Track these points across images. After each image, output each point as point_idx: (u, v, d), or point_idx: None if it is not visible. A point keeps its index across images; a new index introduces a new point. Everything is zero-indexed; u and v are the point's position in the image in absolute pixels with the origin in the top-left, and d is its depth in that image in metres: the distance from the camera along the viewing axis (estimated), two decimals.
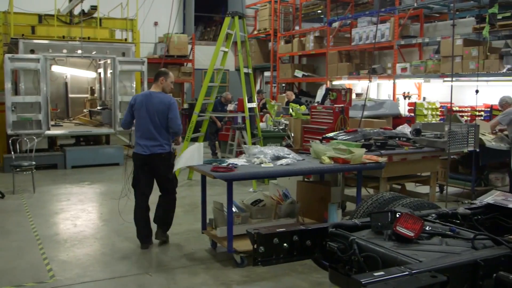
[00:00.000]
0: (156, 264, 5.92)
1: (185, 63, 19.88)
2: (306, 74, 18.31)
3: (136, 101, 6.44)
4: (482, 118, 12.13)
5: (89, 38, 13.61)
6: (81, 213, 8.26)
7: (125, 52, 13.96)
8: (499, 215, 4.44)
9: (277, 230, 3.67)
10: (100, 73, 16.05)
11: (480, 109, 12.38)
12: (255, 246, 3.56)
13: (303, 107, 12.30)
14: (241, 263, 5.78)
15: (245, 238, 5.20)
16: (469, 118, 12.19)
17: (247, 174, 5.96)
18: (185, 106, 19.23)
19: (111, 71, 13.51)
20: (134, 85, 13.78)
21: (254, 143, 10.03)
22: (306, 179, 7.83)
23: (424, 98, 14.64)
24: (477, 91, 7.70)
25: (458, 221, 4.15)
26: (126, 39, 14.70)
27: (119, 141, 13.88)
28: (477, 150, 8.37)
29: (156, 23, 19.67)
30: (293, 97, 15.77)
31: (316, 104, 12.50)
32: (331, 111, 10.39)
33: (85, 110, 16.31)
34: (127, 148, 14.23)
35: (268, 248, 3.59)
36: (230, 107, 13.60)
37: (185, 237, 6.94)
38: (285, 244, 3.63)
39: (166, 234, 6.68)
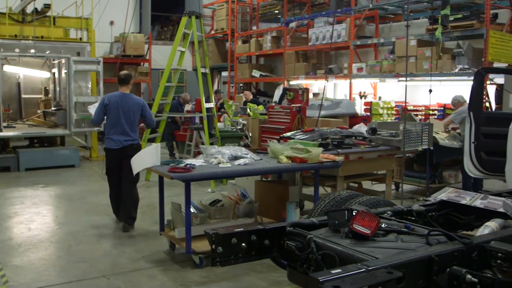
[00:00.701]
0: (114, 267, 5.83)
1: (142, 63, 19.67)
2: (263, 74, 18.37)
3: (111, 101, 7.23)
4: (436, 117, 12.43)
5: (42, 37, 13.31)
6: (36, 217, 8.07)
7: (80, 52, 13.72)
8: (452, 211, 4.54)
9: (235, 230, 3.67)
10: (54, 73, 15.70)
11: (433, 108, 12.68)
12: (213, 246, 3.54)
13: (261, 107, 12.33)
14: (200, 264, 5.76)
15: (203, 238, 5.17)
16: (423, 117, 12.46)
17: (205, 175, 5.94)
18: None
19: (66, 71, 13.24)
20: (90, 85, 13.56)
21: (212, 143, 10.00)
22: (264, 179, 7.85)
23: (379, 98, 14.90)
24: (430, 91, 7.86)
25: (413, 218, 4.23)
26: (81, 39, 14.43)
27: (74, 143, 13.63)
28: (431, 148, 8.54)
29: (112, 22, 19.42)
30: (251, 97, 15.81)
31: (273, 104, 12.55)
32: (289, 110, 10.45)
33: (39, 111, 15.93)
34: (83, 150, 14.04)
35: (226, 248, 3.57)
36: (188, 107, 13.53)
37: (143, 239, 6.86)
38: (243, 244, 3.62)
39: (133, 226, 7.30)
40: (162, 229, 6.50)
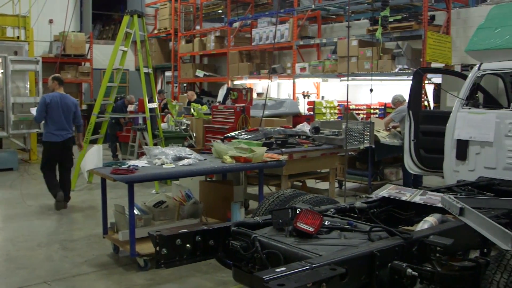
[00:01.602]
0: (55, 273, 5.67)
1: (83, 63, 19.23)
2: (207, 74, 18.31)
3: (52, 101, 8.34)
4: (377, 115, 12.70)
5: None
6: None
7: (18, 51, 13.28)
8: (393, 208, 4.66)
9: (180, 231, 3.65)
10: None
11: (374, 107, 12.96)
12: (157, 248, 3.51)
13: (205, 107, 12.28)
14: (145, 267, 5.68)
15: (148, 241, 5.08)
16: (364, 116, 12.71)
17: (149, 176, 5.88)
18: (84, 107, 18.58)
19: (2, 70, 12.78)
20: (28, 86, 13.15)
21: (155, 144, 9.89)
22: (208, 179, 7.83)
23: (322, 97, 15.10)
24: (371, 90, 8.03)
25: (356, 215, 4.32)
26: (18, 37, 13.97)
27: (12, 145, 13.18)
28: (373, 146, 8.72)
29: (51, 21, 18.88)
30: (195, 97, 15.72)
31: (217, 104, 12.52)
32: (233, 110, 10.45)
33: None
34: (22, 152, 13.60)
35: (171, 250, 3.55)
36: (131, 107, 13.32)
37: (85, 242, 6.71)
38: (188, 245, 3.61)
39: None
40: (105, 232, 6.37)
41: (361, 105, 13.38)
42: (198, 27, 19.48)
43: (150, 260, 5.66)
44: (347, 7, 12.63)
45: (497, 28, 6.40)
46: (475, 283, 3.33)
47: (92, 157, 6.10)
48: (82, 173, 6.85)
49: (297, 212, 3.57)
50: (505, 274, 3.19)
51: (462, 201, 3.71)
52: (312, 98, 15.04)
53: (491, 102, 6.97)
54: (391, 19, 11.77)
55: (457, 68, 10.75)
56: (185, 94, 16.47)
